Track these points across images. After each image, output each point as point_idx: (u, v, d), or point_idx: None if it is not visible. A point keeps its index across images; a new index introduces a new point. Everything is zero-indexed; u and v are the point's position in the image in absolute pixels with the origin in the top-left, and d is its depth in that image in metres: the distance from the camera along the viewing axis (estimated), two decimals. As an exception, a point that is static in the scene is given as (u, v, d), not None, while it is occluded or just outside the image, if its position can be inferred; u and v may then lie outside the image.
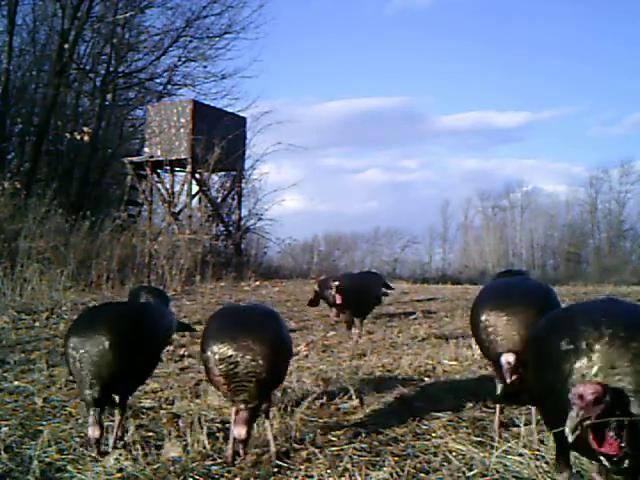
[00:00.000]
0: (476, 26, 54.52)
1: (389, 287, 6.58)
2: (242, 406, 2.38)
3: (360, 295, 5.53)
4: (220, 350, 2.39)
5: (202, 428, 2.79)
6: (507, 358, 2.57)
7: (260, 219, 16.91)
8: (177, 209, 15.77)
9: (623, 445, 1.56)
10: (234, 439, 2.60)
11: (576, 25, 53.21)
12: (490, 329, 2.65)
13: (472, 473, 2.38)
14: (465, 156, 58.28)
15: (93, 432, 2.50)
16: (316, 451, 2.62)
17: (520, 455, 2.45)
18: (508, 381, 2.55)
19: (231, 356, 2.36)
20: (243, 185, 16.67)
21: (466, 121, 53.63)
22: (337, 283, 5.26)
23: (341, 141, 58.42)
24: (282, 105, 44.90)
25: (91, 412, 2.52)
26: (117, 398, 2.76)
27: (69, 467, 2.51)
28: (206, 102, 17.04)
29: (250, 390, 2.35)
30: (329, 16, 56.82)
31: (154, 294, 5.24)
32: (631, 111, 54.43)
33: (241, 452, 2.47)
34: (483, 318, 2.69)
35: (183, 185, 15.55)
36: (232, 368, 2.36)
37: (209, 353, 2.43)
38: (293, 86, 57.59)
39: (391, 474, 2.37)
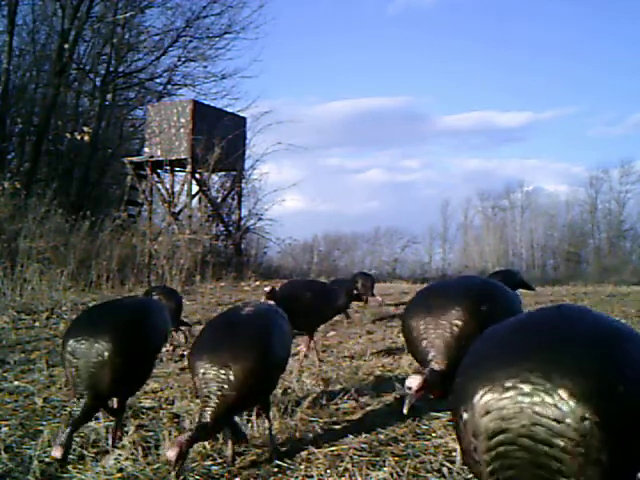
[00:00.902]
0: (478, 26, 54.53)
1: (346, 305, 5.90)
2: (197, 422, 2.37)
3: (301, 306, 4.63)
4: (197, 361, 2.43)
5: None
6: (409, 382, 2.20)
7: (260, 219, 16.93)
8: (177, 209, 15.77)
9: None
10: (233, 440, 2.60)
11: (577, 25, 53.21)
12: (413, 334, 2.40)
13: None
14: (467, 156, 58.19)
15: (56, 452, 2.42)
16: (316, 451, 2.62)
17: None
18: (405, 410, 2.23)
19: (206, 367, 2.39)
20: (243, 185, 16.68)
21: (468, 121, 53.57)
22: (267, 289, 4.58)
23: (343, 141, 58.40)
24: (284, 105, 44.89)
25: (67, 431, 2.45)
26: (115, 400, 2.76)
27: (69, 467, 2.51)
28: (206, 102, 17.05)
29: (217, 403, 2.35)
30: (331, 16, 56.85)
31: (166, 295, 5.27)
32: (632, 111, 54.41)
33: (172, 473, 2.41)
34: (406, 323, 2.47)
35: (183, 185, 15.56)
36: (205, 378, 2.38)
37: (190, 362, 2.48)
38: (295, 86, 57.62)
39: (391, 474, 2.37)
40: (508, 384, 1.27)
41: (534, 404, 1.23)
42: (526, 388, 1.25)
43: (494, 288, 2.50)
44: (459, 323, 2.24)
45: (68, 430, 2.45)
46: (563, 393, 1.22)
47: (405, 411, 2.15)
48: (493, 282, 2.62)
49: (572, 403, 1.21)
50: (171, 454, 2.25)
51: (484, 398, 1.29)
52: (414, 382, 2.15)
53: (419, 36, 57.68)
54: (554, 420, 1.21)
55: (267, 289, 4.55)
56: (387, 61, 60.24)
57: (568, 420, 1.20)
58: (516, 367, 1.29)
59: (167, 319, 3.05)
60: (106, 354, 2.49)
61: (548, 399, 1.23)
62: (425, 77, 59.79)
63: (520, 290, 7.71)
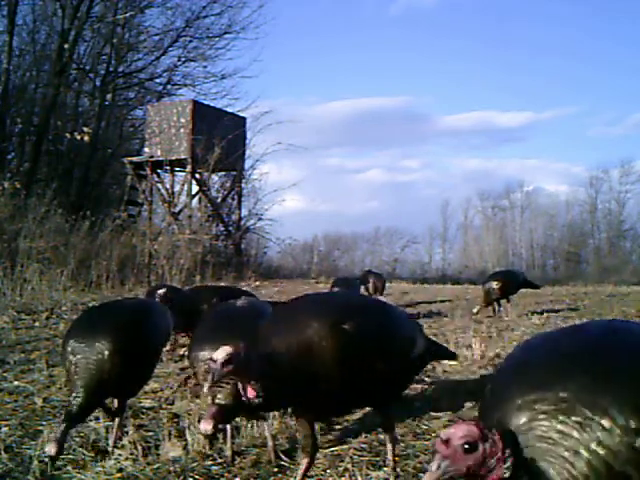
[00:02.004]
0: (478, 26, 54.36)
1: None
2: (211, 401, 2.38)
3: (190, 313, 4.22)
4: (199, 352, 2.45)
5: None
6: (216, 353, 1.85)
7: (260, 219, 16.95)
8: (177, 209, 15.78)
9: None
10: (232, 439, 2.60)
11: (577, 25, 53.10)
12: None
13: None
14: (467, 156, 57.91)
15: (50, 449, 2.35)
16: (316, 451, 2.62)
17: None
18: (204, 388, 1.94)
19: (208, 357, 2.39)
20: (243, 185, 16.69)
21: (468, 121, 53.31)
22: (161, 292, 4.25)
23: (343, 141, 58.24)
24: (284, 105, 44.71)
25: (61, 427, 2.41)
26: (116, 402, 2.75)
27: (69, 467, 2.51)
28: (206, 102, 17.06)
29: (228, 390, 2.35)
30: (331, 16, 56.77)
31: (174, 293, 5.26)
32: (633, 111, 54.28)
33: (207, 447, 2.40)
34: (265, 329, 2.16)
35: (183, 185, 15.56)
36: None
37: (192, 354, 2.48)
38: (295, 86, 57.41)
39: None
40: (542, 408, 1.20)
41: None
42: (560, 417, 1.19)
43: (361, 306, 2.24)
44: (313, 340, 1.96)
45: (63, 427, 2.42)
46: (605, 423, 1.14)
47: (205, 390, 1.86)
48: (363, 300, 2.36)
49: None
50: (208, 427, 2.19)
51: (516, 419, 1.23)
52: (221, 353, 1.81)
53: (419, 36, 57.52)
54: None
55: (161, 292, 4.35)
56: (387, 61, 60.07)
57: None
58: (553, 392, 1.21)
59: (169, 320, 3.05)
60: (106, 354, 2.49)
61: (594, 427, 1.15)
62: (425, 77, 59.66)
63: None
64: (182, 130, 14.83)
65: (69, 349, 2.52)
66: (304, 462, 2.12)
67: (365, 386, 2.02)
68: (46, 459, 2.57)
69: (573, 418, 1.16)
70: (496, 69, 57.25)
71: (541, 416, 1.19)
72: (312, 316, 2.01)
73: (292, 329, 1.98)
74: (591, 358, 1.27)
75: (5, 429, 3.00)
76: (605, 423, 1.14)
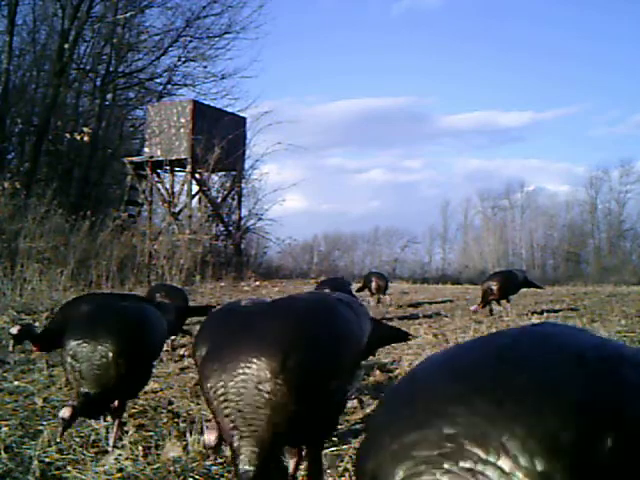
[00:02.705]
0: (480, 27, 54.61)
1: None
2: None
3: None
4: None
5: (202, 428, 2.79)
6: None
7: (260, 219, 16.97)
8: (177, 209, 15.79)
9: None
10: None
11: (579, 26, 53.22)
12: (211, 393, 1.72)
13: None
14: (469, 156, 57.99)
15: (64, 412, 2.40)
16: (316, 451, 2.62)
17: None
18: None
19: None
20: (243, 185, 16.70)
21: (470, 121, 53.38)
22: (14, 330, 3.77)
23: (344, 141, 58.33)
24: (285, 105, 44.80)
25: (80, 398, 2.44)
26: (115, 403, 2.75)
27: (69, 467, 2.51)
28: (206, 102, 17.07)
29: None
30: (334, 16, 56.86)
31: (173, 294, 5.28)
32: (635, 111, 54.31)
33: (211, 457, 2.40)
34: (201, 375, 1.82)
35: (183, 185, 15.57)
36: None
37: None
38: (296, 86, 57.57)
39: (391, 474, 2.37)
40: (423, 453, 0.81)
41: None
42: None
43: (309, 327, 1.77)
44: (266, 387, 1.58)
45: (81, 398, 2.43)
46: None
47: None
48: (307, 316, 1.84)
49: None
50: (212, 437, 2.09)
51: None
52: (209, 439, 1.74)
53: (422, 37, 57.76)
54: None
55: (14, 330, 3.75)
56: (389, 61, 60.31)
57: None
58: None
59: (164, 321, 3.04)
60: (110, 355, 2.48)
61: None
62: (428, 77, 59.82)
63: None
64: (182, 130, 14.84)
65: (70, 353, 2.50)
66: (291, 462, 2.09)
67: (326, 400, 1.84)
68: (47, 459, 2.57)
69: (461, 464, 0.79)
70: (498, 69, 57.42)
71: (422, 467, 0.81)
72: (253, 364, 1.62)
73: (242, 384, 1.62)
74: (489, 374, 0.88)
75: (5, 429, 2.99)
76: (504, 465, 0.77)
